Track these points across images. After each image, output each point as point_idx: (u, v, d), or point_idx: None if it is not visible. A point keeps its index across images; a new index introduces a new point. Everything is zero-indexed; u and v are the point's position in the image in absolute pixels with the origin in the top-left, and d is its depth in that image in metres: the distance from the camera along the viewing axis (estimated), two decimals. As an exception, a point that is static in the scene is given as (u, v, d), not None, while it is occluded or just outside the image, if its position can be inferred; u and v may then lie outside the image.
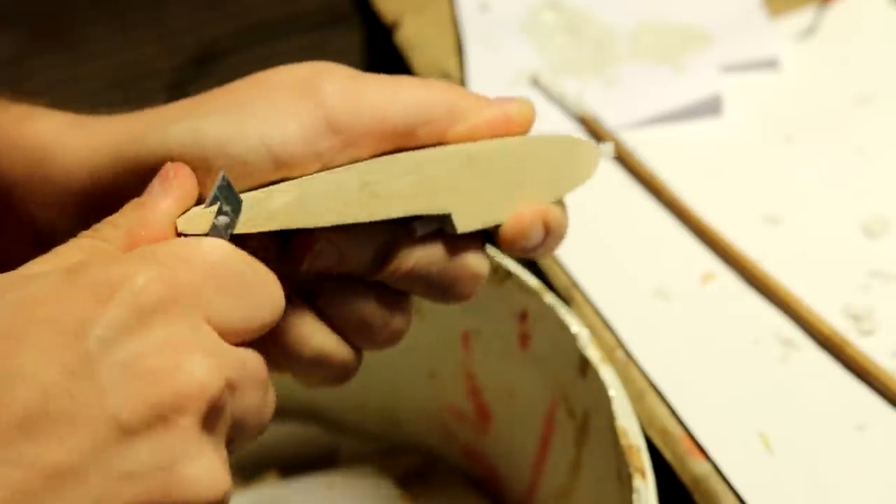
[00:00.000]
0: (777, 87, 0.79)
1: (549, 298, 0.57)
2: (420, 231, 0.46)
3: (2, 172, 0.48)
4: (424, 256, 0.46)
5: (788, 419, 0.62)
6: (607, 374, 0.54)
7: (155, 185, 0.42)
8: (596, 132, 0.76)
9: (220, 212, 0.41)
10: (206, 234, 0.41)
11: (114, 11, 0.94)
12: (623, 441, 0.52)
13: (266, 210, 0.43)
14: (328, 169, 0.45)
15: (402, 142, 0.45)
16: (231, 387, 0.38)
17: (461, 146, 0.46)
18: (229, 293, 0.39)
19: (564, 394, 0.58)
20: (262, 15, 1.01)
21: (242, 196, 0.43)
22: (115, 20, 0.94)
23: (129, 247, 0.40)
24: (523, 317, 0.59)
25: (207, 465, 0.36)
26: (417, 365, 0.65)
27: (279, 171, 0.44)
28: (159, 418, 0.35)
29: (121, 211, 0.42)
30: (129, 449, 0.35)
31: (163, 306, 0.37)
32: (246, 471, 0.67)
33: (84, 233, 0.41)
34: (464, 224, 0.46)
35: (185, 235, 0.42)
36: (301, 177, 0.44)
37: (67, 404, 0.35)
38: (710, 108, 0.77)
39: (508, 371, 0.61)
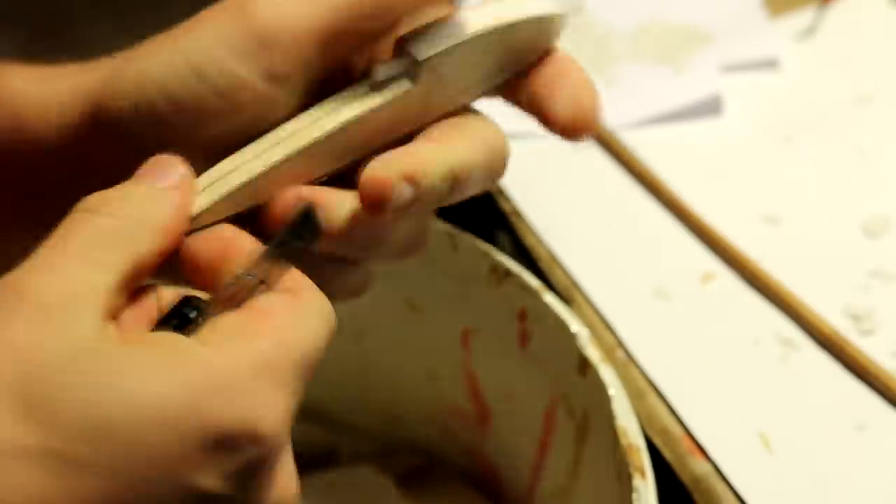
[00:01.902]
0: (777, 87, 0.79)
1: (549, 297, 0.57)
2: (381, 76, 0.43)
3: None
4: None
5: (788, 419, 0.62)
6: (607, 374, 0.54)
7: (153, 172, 0.41)
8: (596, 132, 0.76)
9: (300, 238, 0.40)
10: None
11: (114, 11, 0.94)
12: (623, 440, 0.52)
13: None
14: (291, 87, 0.43)
15: (344, 35, 0.43)
16: None
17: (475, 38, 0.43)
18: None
19: (564, 393, 0.58)
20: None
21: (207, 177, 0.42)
22: (115, 20, 0.94)
23: (158, 235, 0.40)
24: (523, 316, 0.59)
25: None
26: (417, 365, 0.65)
27: (231, 104, 0.42)
28: None
29: (129, 185, 0.40)
30: None
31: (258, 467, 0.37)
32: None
33: (90, 203, 0.39)
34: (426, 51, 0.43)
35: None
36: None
37: None
38: (710, 108, 0.77)
39: (508, 370, 0.61)
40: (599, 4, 0.84)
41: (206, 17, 0.44)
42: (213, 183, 0.42)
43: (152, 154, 0.42)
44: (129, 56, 0.45)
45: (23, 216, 0.48)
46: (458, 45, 0.43)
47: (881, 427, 0.61)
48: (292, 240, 0.40)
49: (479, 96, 0.46)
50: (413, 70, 0.43)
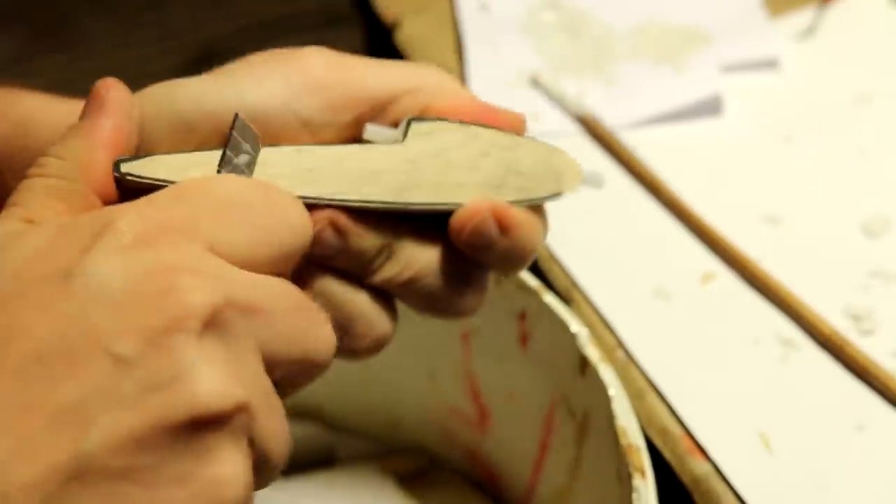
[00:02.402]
0: (777, 87, 0.79)
1: (549, 298, 0.57)
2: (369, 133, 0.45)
3: None
4: (429, 264, 0.45)
5: (788, 419, 0.62)
6: (607, 374, 0.54)
7: (90, 107, 0.41)
8: (596, 132, 0.76)
9: (239, 151, 0.41)
10: (219, 172, 0.41)
11: (114, 11, 0.94)
12: (623, 440, 0.52)
13: (270, 171, 0.42)
14: (317, 139, 0.44)
15: (387, 110, 0.45)
16: (242, 306, 0.36)
17: (477, 131, 0.45)
18: (238, 222, 0.38)
19: (564, 393, 0.58)
20: (262, 15, 1.01)
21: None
22: (115, 20, 0.94)
23: (87, 179, 0.40)
24: (522, 316, 0.59)
25: (209, 375, 0.35)
26: (417, 365, 0.65)
27: (257, 128, 0.43)
28: (153, 343, 0.35)
29: (61, 142, 0.41)
30: (129, 377, 0.35)
31: (150, 238, 0.36)
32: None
33: (31, 171, 0.40)
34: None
35: (129, 179, 0.41)
36: (291, 146, 0.43)
37: (62, 347, 0.35)
38: (710, 108, 0.77)
39: (508, 371, 0.61)
40: (599, 4, 0.84)
41: (260, 57, 0.45)
42: (294, 177, 0.43)
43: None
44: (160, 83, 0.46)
45: None
46: (447, 123, 0.45)
47: (881, 427, 0.61)
48: (235, 154, 0.41)
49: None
50: (405, 129, 0.45)
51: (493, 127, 0.46)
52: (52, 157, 0.40)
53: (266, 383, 0.37)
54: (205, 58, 0.47)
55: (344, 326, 0.45)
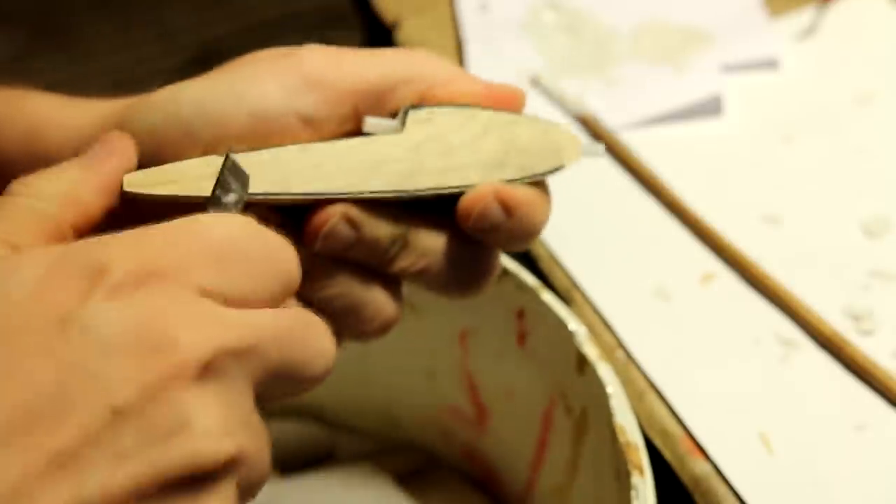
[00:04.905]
0: (777, 87, 0.79)
1: (547, 296, 0.57)
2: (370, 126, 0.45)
3: None
4: (441, 251, 0.46)
5: (788, 419, 0.62)
6: (605, 372, 0.54)
7: (97, 147, 0.42)
8: (596, 132, 0.76)
9: (227, 190, 0.41)
10: (206, 210, 0.41)
11: (114, 11, 0.94)
12: (621, 438, 0.52)
13: (279, 172, 0.43)
14: (319, 135, 0.45)
15: (385, 100, 0.45)
16: (235, 350, 0.37)
17: (474, 112, 0.46)
18: (229, 265, 0.38)
19: (562, 391, 0.58)
20: (262, 15, 1.01)
21: (240, 156, 0.43)
22: (115, 20, 0.94)
23: (71, 208, 0.40)
24: (521, 315, 0.59)
25: (206, 428, 0.36)
26: (415, 364, 0.65)
27: (259, 130, 0.44)
28: (150, 395, 0.35)
29: (61, 167, 0.41)
30: (125, 429, 0.35)
31: (143, 284, 0.36)
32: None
33: (14, 187, 0.41)
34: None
35: (132, 194, 0.42)
36: (296, 144, 0.44)
37: (59, 396, 0.35)
38: (710, 108, 0.77)
39: (506, 369, 0.61)
40: (599, 4, 0.84)
41: (258, 56, 0.46)
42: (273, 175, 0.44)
43: None
44: (165, 87, 0.46)
45: None
46: (444, 108, 0.46)
47: (881, 427, 0.61)
48: (224, 194, 0.42)
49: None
50: (403, 118, 0.45)
51: (490, 107, 0.46)
52: (45, 179, 0.41)
53: (257, 423, 0.38)
54: (205, 58, 0.47)
55: (353, 311, 0.46)
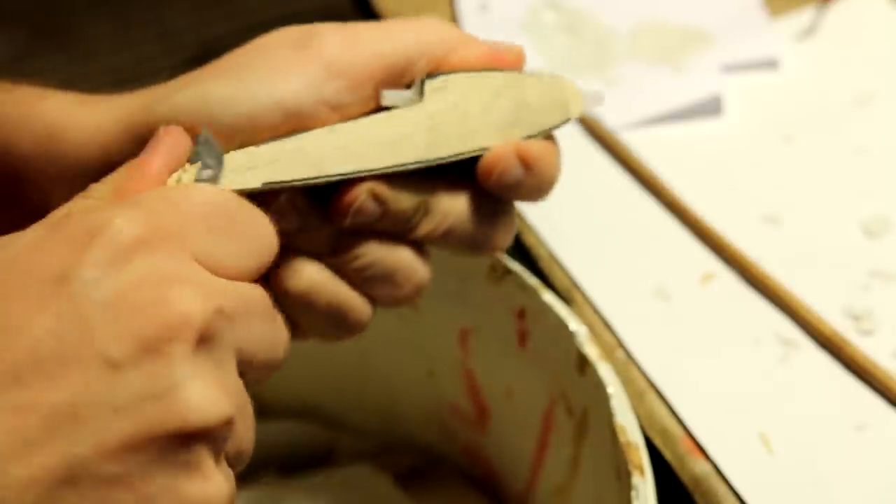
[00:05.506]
0: (777, 87, 0.79)
1: (548, 296, 0.57)
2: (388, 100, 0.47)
3: (12, 151, 0.49)
4: (462, 211, 0.48)
5: (788, 419, 0.62)
6: (605, 372, 0.54)
7: (148, 146, 0.43)
8: (596, 132, 0.76)
9: (204, 165, 0.43)
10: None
11: (114, 11, 0.94)
12: (621, 438, 0.52)
13: (312, 156, 0.45)
14: (346, 117, 0.46)
15: (402, 75, 0.47)
16: (228, 316, 0.38)
17: (485, 75, 0.48)
18: (217, 233, 0.39)
19: (563, 391, 0.58)
20: (262, 15, 1.01)
21: (273, 145, 0.44)
22: (115, 20, 0.94)
23: (118, 201, 0.41)
24: (521, 314, 0.59)
25: (202, 389, 0.36)
26: (416, 363, 0.65)
27: (290, 123, 0.45)
28: (147, 350, 0.36)
29: (115, 171, 0.42)
30: (122, 383, 0.35)
31: (144, 245, 0.37)
32: (243, 469, 0.66)
33: (78, 195, 0.41)
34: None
35: None
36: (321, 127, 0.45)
37: (57, 349, 0.35)
38: (710, 108, 0.77)
39: (507, 369, 0.61)
40: (599, 4, 0.84)
41: (270, 44, 0.47)
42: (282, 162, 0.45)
43: None
44: (185, 79, 0.47)
45: None
46: (457, 75, 0.48)
47: (881, 427, 0.61)
48: (202, 170, 0.43)
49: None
50: (420, 88, 0.47)
51: (498, 69, 0.49)
52: (101, 182, 0.42)
53: (243, 392, 0.39)
54: (205, 57, 0.47)
55: (386, 278, 0.48)
